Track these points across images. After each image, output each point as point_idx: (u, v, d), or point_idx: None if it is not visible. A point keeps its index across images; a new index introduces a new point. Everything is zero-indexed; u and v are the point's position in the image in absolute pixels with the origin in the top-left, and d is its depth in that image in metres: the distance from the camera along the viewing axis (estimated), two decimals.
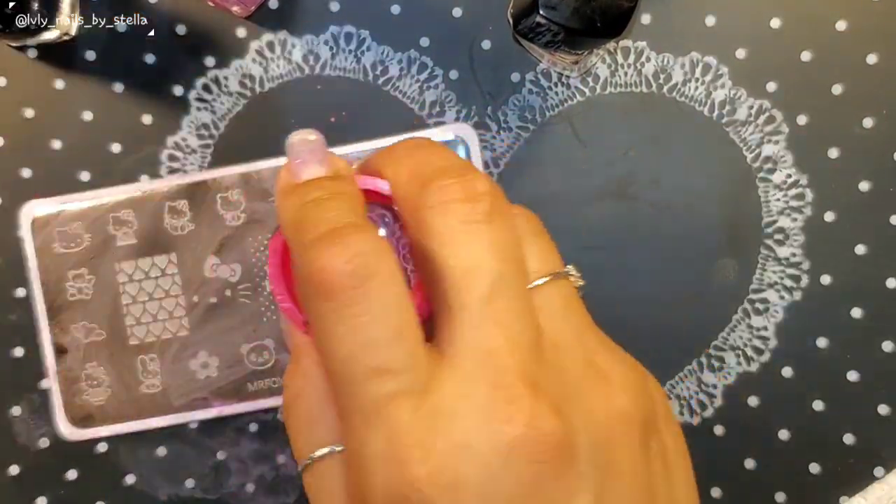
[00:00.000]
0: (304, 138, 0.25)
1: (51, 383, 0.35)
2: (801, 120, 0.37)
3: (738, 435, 0.37)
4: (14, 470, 0.36)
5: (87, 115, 0.37)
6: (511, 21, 0.35)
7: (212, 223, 0.35)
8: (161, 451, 0.37)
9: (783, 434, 0.37)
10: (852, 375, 0.36)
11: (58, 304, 0.35)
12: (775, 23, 0.37)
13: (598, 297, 0.36)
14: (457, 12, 0.37)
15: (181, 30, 0.37)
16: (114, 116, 0.37)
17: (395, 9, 0.37)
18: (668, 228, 0.37)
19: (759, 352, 0.37)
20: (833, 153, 0.37)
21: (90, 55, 0.37)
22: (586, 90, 0.37)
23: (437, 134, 0.35)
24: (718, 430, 0.37)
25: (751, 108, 0.37)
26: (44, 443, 0.36)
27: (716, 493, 0.36)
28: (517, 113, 0.37)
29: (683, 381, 0.37)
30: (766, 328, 0.37)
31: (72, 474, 0.37)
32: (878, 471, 0.36)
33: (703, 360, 0.37)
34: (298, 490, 0.37)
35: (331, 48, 0.37)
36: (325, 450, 0.23)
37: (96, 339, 0.35)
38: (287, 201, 0.23)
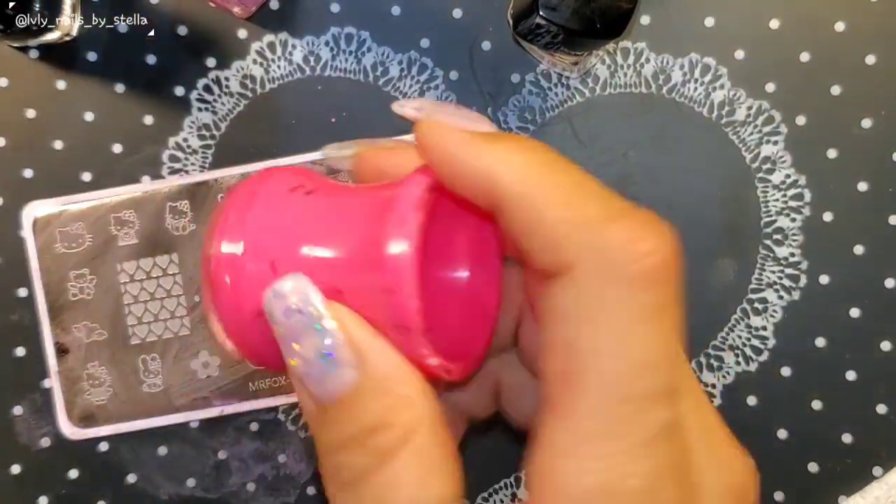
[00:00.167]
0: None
1: (52, 383, 0.35)
2: (800, 120, 0.37)
3: (736, 434, 0.37)
4: (16, 469, 0.36)
5: (89, 116, 0.37)
6: (511, 22, 0.35)
7: None
8: (162, 450, 0.37)
9: (782, 433, 0.37)
10: (851, 375, 0.37)
11: (59, 304, 0.35)
12: (774, 24, 0.37)
13: None
14: (457, 13, 0.37)
15: (182, 30, 0.37)
16: (115, 117, 0.37)
17: (396, 10, 0.37)
18: None
19: (758, 351, 0.37)
20: (832, 153, 0.37)
21: (92, 56, 0.37)
22: (586, 91, 0.37)
23: None
24: None
25: (750, 108, 0.37)
26: (45, 442, 0.36)
27: None
28: (517, 113, 0.37)
29: None
30: (764, 328, 0.37)
31: (73, 473, 0.37)
32: (877, 470, 0.36)
33: (702, 359, 0.37)
34: (299, 489, 0.37)
35: (331, 49, 0.37)
36: None
37: (98, 338, 0.35)
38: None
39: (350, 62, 0.37)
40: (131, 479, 0.37)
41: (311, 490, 0.37)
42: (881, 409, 0.36)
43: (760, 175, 0.37)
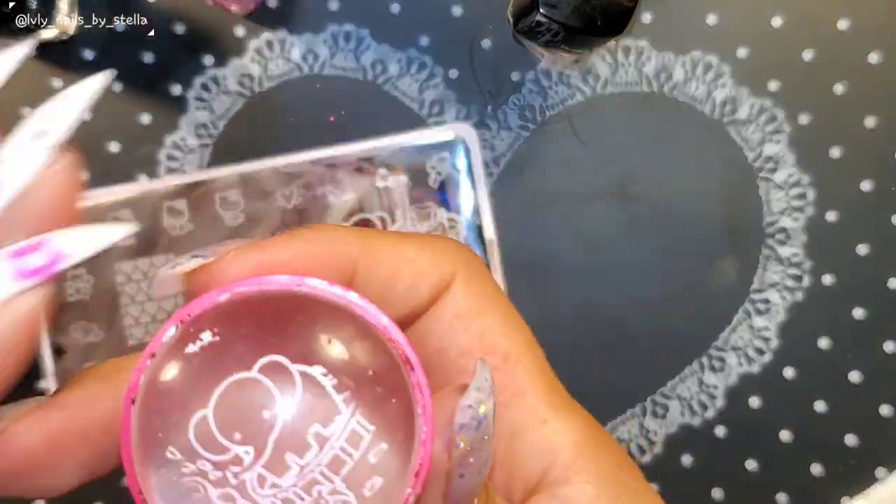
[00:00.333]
0: None
1: (49, 383, 0.35)
2: (803, 119, 0.36)
3: (739, 436, 0.36)
4: None
5: (85, 115, 0.36)
6: (511, 20, 0.35)
7: (211, 223, 0.35)
8: None
9: (785, 435, 0.36)
10: (854, 376, 0.36)
11: (56, 305, 0.35)
12: (777, 21, 0.36)
13: (599, 298, 0.36)
14: (456, 11, 0.37)
15: (180, 29, 0.37)
16: (112, 116, 0.36)
17: (395, 8, 0.37)
18: (669, 228, 0.37)
19: (761, 352, 0.37)
20: (835, 153, 0.36)
21: (89, 54, 0.36)
22: (587, 89, 0.37)
23: (436, 134, 0.35)
24: (720, 430, 0.36)
25: (752, 107, 0.36)
26: None
27: (717, 493, 0.36)
28: (517, 112, 0.37)
29: (684, 382, 0.37)
30: (767, 328, 0.37)
31: None
32: (880, 472, 0.36)
33: (705, 360, 0.37)
34: None
35: (330, 47, 0.37)
36: None
37: (95, 339, 0.35)
38: None
39: (349, 60, 0.37)
40: None
41: None
42: (885, 410, 0.36)
43: (763, 174, 0.37)
